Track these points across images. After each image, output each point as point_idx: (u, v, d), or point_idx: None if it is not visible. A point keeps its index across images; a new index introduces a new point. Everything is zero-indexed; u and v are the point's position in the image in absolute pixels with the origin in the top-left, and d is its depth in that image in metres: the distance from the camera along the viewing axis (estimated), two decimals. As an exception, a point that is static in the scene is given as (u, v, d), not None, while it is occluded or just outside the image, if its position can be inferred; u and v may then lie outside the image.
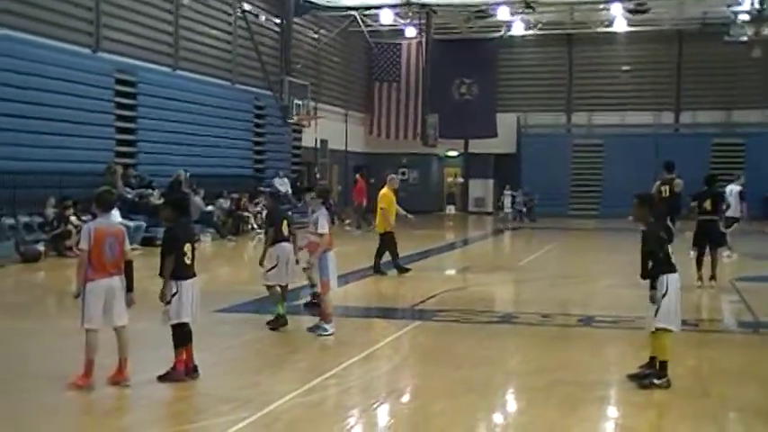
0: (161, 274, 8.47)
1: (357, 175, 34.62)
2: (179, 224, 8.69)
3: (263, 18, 33.53)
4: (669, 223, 16.13)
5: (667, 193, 16.74)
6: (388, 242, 17.65)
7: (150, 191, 24.39)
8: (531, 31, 42.30)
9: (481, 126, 44.06)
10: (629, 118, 43.94)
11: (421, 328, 11.85)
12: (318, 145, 38.88)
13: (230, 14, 31.43)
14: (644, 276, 8.61)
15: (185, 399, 8.00)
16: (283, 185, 32.06)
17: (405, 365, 9.76)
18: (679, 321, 8.67)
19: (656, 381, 8.44)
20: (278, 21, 33.84)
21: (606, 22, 40.82)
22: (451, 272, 20.52)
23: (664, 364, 8.51)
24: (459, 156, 46.39)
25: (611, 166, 42.26)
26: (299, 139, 36.93)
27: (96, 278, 8.14)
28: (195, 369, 8.54)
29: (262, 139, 33.40)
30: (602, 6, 37.76)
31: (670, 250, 8.59)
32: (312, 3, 33.79)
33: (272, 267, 11.45)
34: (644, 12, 36.54)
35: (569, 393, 8.32)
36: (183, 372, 8.43)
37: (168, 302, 8.43)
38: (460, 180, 46.04)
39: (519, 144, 44.83)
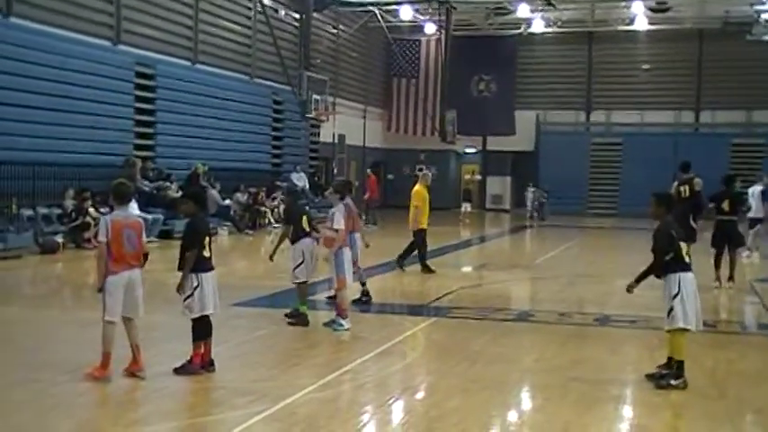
0: (180, 268, 8.50)
1: (369, 171, 34.74)
2: (198, 217, 8.74)
3: (282, 13, 33.55)
4: (692, 223, 16.08)
5: (687, 193, 16.59)
6: (420, 240, 17.51)
7: (168, 184, 24.46)
8: (551, 29, 42.16)
9: (500, 123, 43.98)
10: (649, 117, 43.76)
11: (437, 325, 11.85)
12: (336, 140, 38.89)
13: (250, 9, 31.47)
14: (658, 276, 8.61)
15: (201, 391, 8.03)
16: (300, 180, 32.06)
17: (420, 362, 9.76)
18: (698, 320, 8.60)
19: (672, 381, 8.43)
20: (297, 15, 33.85)
21: (627, 21, 40.64)
22: (468, 269, 20.50)
23: (680, 365, 8.50)
24: (477, 153, 46.32)
25: (630, 164, 42.09)
26: (317, 134, 36.92)
27: (118, 270, 8.17)
28: (211, 363, 8.57)
29: (280, 133, 33.43)
30: (623, 4, 37.57)
31: (684, 249, 8.55)
32: (332, -2, 33.84)
33: (299, 264, 11.45)
34: (665, 10, 36.37)
35: (585, 392, 8.30)
36: (198, 365, 8.46)
37: (189, 296, 8.47)
38: (478, 177, 45.96)
39: (537, 142, 44.73)
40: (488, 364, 9.41)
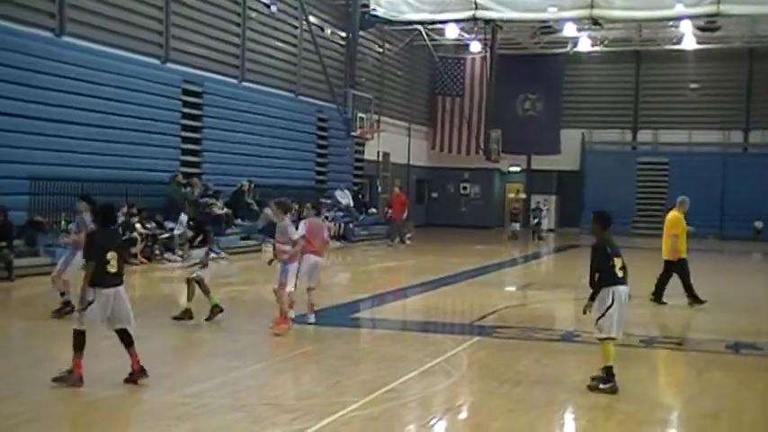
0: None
1: (396, 189, 34.76)
2: (101, 231, 8.78)
3: (328, 31, 33.74)
4: None
5: None
6: (679, 270, 16.13)
7: (213, 200, 24.65)
8: (597, 48, 41.89)
9: (545, 142, 43.73)
10: (697, 136, 43.23)
11: (480, 344, 11.76)
12: (381, 158, 38.96)
13: (296, 27, 31.68)
14: (592, 286, 8.98)
15: (243, 408, 8.03)
16: (345, 198, 32.20)
17: (464, 381, 9.68)
18: (620, 330, 8.98)
19: (601, 386, 8.78)
20: (343, 34, 34.03)
21: (675, 40, 40.23)
22: (512, 288, 20.36)
23: (609, 369, 8.84)
24: (521, 171, 46.12)
25: (677, 184, 41.44)
26: (362, 152, 37.03)
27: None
28: (143, 370, 8.56)
29: (324, 151, 33.56)
30: (670, 24, 37.20)
31: (618, 264, 8.91)
32: (378, 17, 33.88)
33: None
34: (714, 29, 35.92)
35: (631, 414, 8.18)
36: (78, 377, 8.42)
37: (84, 309, 8.44)
38: (523, 196, 45.76)
39: (583, 161, 44.42)
40: (533, 384, 9.31)
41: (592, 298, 8.94)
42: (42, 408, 7.83)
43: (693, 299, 15.82)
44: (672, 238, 16.10)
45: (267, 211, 25.95)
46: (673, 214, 16.34)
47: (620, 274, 8.91)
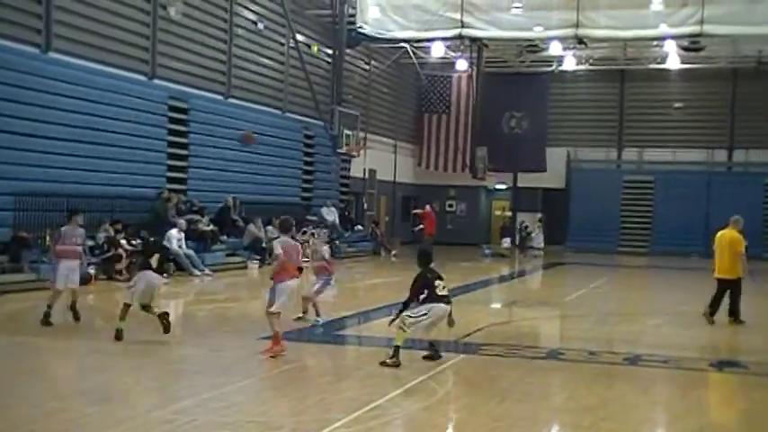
0: None
1: (427, 207, 35.00)
2: None
3: (315, 48, 33.84)
4: None
5: None
6: (736, 287, 16.13)
7: (199, 217, 24.63)
8: (582, 66, 42.13)
9: (531, 160, 43.86)
10: (681, 155, 43.48)
11: (466, 362, 11.78)
12: (367, 175, 39.02)
13: (283, 45, 31.76)
14: (405, 304, 11.01)
15: (229, 425, 8.02)
16: (331, 215, 32.20)
17: (449, 399, 9.70)
18: (429, 333, 11.09)
19: (388, 360, 10.66)
20: (330, 51, 34.13)
21: (659, 59, 40.50)
22: (497, 306, 20.39)
23: (397, 348, 10.74)
24: (507, 189, 46.24)
25: (662, 203, 41.83)
26: (348, 169, 37.05)
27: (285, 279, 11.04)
28: None
29: (311, 167, 33.58)
30: (655, 43, 37.48)
31: (440, 285, 11.01)
32: (364, 35, 34.02)
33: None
34: (698, 49, 36.20)
35: (615, 432, 8.21)
36: None
37: None
38: (508, 213, 45.88)
39: (568, 179, 44.59)
40: (517, 401, 9.33)
41: (398, 313, 10.90)
42: (27, 424, 7.79)
43: (736, 317, 15.90)
44: (736, 255, 16.02)
45: (251, 227, 26.05)
46: (731, 233, 16.18)
47: (441, 293, 10.95)
